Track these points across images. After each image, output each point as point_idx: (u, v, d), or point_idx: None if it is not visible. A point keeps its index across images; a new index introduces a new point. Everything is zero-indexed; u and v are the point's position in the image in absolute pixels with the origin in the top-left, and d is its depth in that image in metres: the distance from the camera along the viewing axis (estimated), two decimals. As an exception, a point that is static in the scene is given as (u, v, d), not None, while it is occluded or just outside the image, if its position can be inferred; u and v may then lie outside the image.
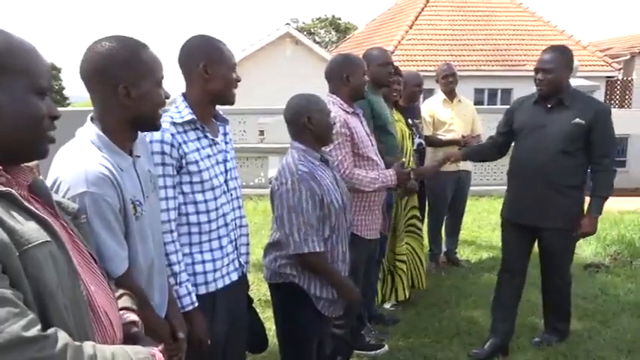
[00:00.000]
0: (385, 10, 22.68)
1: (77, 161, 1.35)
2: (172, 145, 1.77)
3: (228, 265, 1.96)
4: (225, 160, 1.96)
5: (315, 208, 2.10)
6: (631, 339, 3.39)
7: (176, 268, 1.77)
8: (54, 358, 0.83)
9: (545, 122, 3.01)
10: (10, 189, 0.93)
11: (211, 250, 1.90)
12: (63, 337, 0.86)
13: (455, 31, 18.53)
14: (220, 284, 1.92)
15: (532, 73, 3.06)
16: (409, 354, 3.26)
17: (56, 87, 37.60)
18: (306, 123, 2.17)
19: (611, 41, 22.79)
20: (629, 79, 19.08)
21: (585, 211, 3.04)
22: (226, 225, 1.94)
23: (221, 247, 1.93)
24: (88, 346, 0.90)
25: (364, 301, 3.31)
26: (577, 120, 2.91)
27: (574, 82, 6.74)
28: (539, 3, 29.05)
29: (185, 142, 1.81)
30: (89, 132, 1.44)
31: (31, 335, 0.82)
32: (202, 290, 1.88)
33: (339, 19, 39.90)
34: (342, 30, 38.57)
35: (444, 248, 4.95)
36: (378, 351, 3.28)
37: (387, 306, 3.95)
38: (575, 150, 2.95)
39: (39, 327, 0.85)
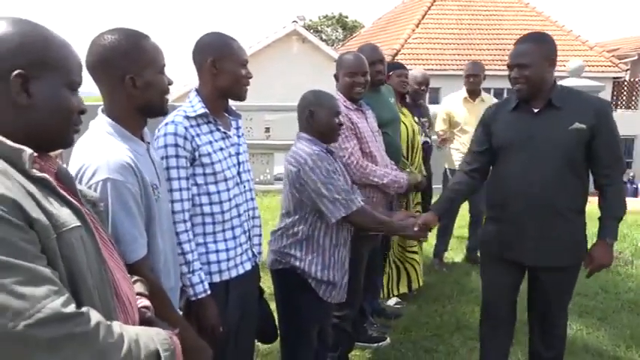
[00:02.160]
0: (392, 9, 22.73)
1: (99, 150, 1.43)
2: (185, 138, 1.84)
3: (241, 254, 2.02)
4: (237, 153, 2.03)
5: (339, 180, 2.23)
6: (629, 335, 3.45)
7: (189, 256, 1.84)
8: (88, 333, 0.89)
9: (534, 132, 2.38)
10: (46, 175, 1.00)
11: (225, 240, 1.96)
12: (95, 316, 0.93)
13: (461, 30, 18.55)
14: (234, 273, 1.99)
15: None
16: (410, 346, 3.33)
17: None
18: (307, 117, 2.29)
19: (618, 42, 22.73)
20: (637, 79, 19.03)
21: (596, 238, 2.41)
22: (239, 215, 2.01)
23: (234, 237, 1.99)
24: (116, 325, 0.97)
25: (366, 294, 3.38)
26: (577, 125, 2.30)
27: (579, 82, 6.79)
28: (546, 3, 28.97)
29: (198, 135, 1.87)
30: (102, 123, 1.52)
31: (69, 312, 0.88)
32: (216, 278, 1.94)
33: (346, 17, 39.88)
34: (348, 28, 38.57)
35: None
36: (380, 343, 3.35)
37: (391, 303, 4.01)
38: (577, 164, 2.36)
39: (74, 305, 0.90)
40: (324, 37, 36.21)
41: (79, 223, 1.01)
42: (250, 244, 2.09)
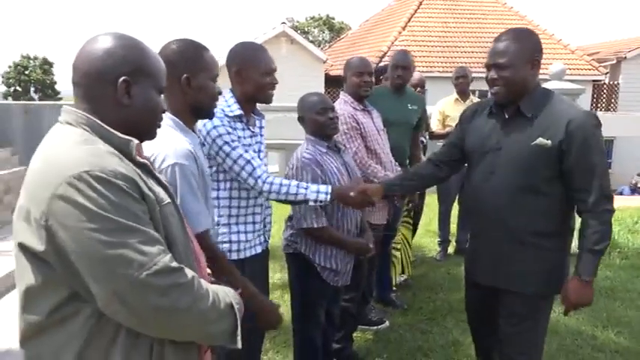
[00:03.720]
0: (379, 11, 23.04)
1: (166, 140, 1.66)
2: (232, 127, 2.14)
3: (256, 238, 2.32)
4: (260, 151, 2.31)
5: None
6: (606, 317, 3.79)
7: (295, 189, 2.23)
8: (187, 283, 1.13)
9: (501, 142, 2.10)
10: (146, 161, 1.25)
11: (245, 224, 2.26)
12: (190, 271, 1.17)
13: (447, 33, 18.93)
14: (248, 253, 2.28)
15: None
16: (407, 328, 3.61)
17: (48, 81, 37.52)
18: (300, 121, 2.60)
19: (598, 46, 23.34)
20: (616, 83, 19.62)
21: (573, 274, 2.08)
22: (260, 205, 2.31)
23: (253, 223, 2.29)
24: (203, 281, 1.21)
25: (369, 281, 3.64)
26: (540, 140, 2.00)
27: (560, 85, 7.09)
28: (529, 6, 29.58)
29: (235, 130, 2.17)
30: (165, 118, 1.75)
31: (175, 266, 1.12)
32: (234, 256, 2.22)
33: (333, 18, 40.24)
34: (335, 29, 38.89)
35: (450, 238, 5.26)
36: (379, 326, 3.62)
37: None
38: (544, 183, 2.03)
39: (176, 262, 1.14)
40: (310, 38, 36.46)
41: (169, 200, 1.26)
42: (263, 230, 2.38)
